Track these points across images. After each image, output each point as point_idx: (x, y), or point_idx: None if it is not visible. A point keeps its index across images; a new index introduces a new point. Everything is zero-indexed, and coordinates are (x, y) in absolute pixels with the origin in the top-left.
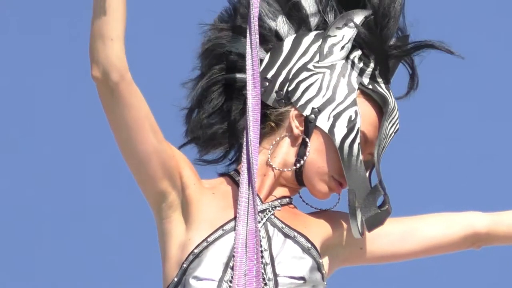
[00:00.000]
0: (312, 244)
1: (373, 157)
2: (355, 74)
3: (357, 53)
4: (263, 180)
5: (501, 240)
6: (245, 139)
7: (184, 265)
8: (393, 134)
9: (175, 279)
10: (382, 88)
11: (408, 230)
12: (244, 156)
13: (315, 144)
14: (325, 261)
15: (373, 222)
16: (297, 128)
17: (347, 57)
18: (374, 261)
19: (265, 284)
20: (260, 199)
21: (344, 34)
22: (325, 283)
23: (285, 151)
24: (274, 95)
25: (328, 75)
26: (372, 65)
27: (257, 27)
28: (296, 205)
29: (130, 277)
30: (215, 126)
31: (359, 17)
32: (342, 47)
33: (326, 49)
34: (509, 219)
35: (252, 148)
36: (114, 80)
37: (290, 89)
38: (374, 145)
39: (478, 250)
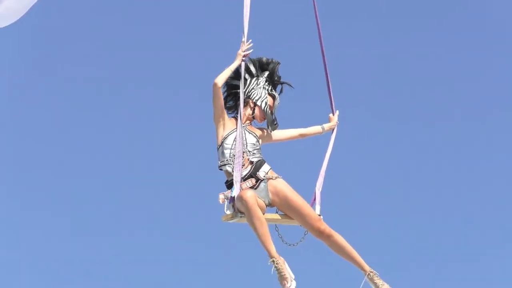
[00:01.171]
0: (256, 135)
1: (273, 111)
2: (266, 88)
3: (267, 82)
4: (243, 118)
5: (309, 136)
6: (239, 109)
7: (222, 140)
8: (278, 104)
9: (219, 144)
10: (274, 92)
11: (284, 132)
12: (239, 113)
13: (257, 109)
14: (261, 141)
15: (273, 128)
16: (252, 105)
17: (264, 83)
18: (274, 141)
19: (243, 145)
20: (243, 123)
21: (263, 78)
22: (260, 145)
23: (249, 111)
24: (246, 95)
25: (259, 90)
26: (271, 85)
27: (243, 79)
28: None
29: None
30: (232, 104)
31: (266, 73)
32: (263, 81)
33: (258, 82)
34: (311, 129)
35: (241, 110)
36: (218, 86)
37: (249, 94)
38: (273, 107)
39: (303, 139)
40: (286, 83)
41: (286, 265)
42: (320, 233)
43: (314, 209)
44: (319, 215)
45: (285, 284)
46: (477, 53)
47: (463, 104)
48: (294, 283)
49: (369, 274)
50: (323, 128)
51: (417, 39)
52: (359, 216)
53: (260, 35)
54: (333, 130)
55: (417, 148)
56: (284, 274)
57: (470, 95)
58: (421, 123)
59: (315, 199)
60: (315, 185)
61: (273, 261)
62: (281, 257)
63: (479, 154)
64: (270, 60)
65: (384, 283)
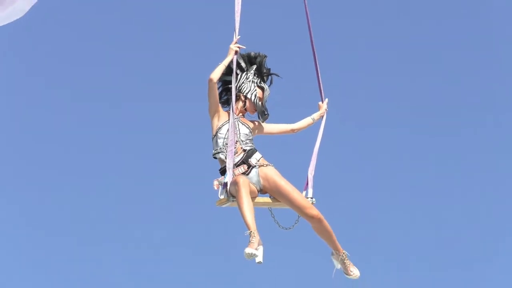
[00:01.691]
0: (249, 127)
1: (263, 102)
2: (255, 81)
3: (255, 75)
4: (236, 110)
5: (302, 129)
6: (231, 102)
7: (217, 130)
8: (267, 95)
9: (214, 134)
10: (263, 84)
11: (275, 125)
12: (231, 106)
13: (247, 102)
14: (253, 132)
15: (264, 118)
16: (243, 98)
17: (253, 77)
18: (266, 133)
19: (236, 135)
20: (236, 115)
21: (252, 71)
22: (253, 136)
23: (241, 104)
24: (237, 90)
25: (248, 83)
26: (259, 78)
27: (235, 73)
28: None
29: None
30: (225, 98)
31: (254, 66)
32: (252, 74)
33: (247, 76)
34: (302, 122)
35: (233, 103)
36: (213, 82)
37: (240, 88)
38: (263, 99)
39: (294, 134)
40: (273, 74)
41: (261, 248)
42: (311, 217)
43: (307, 192)
44: (312, 198)
45: (251, 246)
46: (475, 53)
47: (458, 104)
48: (255, 255)
49: (342, 255)
50: (313, 119)
51: (412, 38)
52: (347, 202)
53: (250, 29)
54: (322, 117)
55: (410, 142)
56: (254, 243)
57: (466, 96)
58: (411, 116)
59: (308, 183)
60: (307, 170)
61: (251, 233)
62: (260, 241)
63: (472, 155)
64: (257, 54)
65: (351, 263)
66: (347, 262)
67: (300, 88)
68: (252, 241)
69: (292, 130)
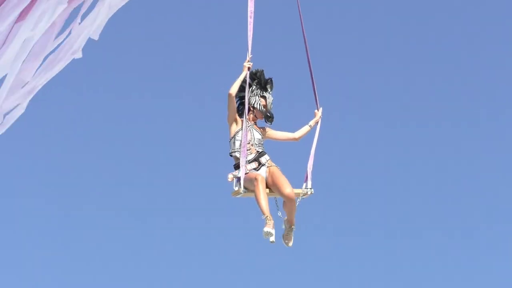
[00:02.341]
0: (261, 133)
1: (267, 108)
2: (258, 93)
3: (258, 88)
4: (249, 119)
5: (303, 136)
6: (245, 113)
7: (234, 134)
8: (271, 101)
9: (231, 136)
10: (264, 93)
11: (281, 133)
12: (244, 116)
13: (256, 110)
14: (264, 137)
15: (270, 121)
16: (252, 108)
17: (256, 90)
18: (273, 139)
19: (252, 139)
20: (250, 122)
21: (255, 85)
22: (263, 140)
23: (252, 113)
24: (248, 102)
25: (254, 96)
26: (261, 89)
27: (248, 91)
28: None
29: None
30: (241, 110)
31: (256, 81)
32: (255, 88)
33: (252, 90)
34: (302, 130)
35: (246, 114)
36: (232, 96)
37: (249, 100)
38: (267, 105)
39: (298, 141)
40: (269, 79)
41: (274, 231)
42: (288, 199)
43: (307, 184)
44: (310, 188)
45: (268, 226)
46: (474, 52)
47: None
48: (271, 233)
49: (293, 227)
50: (310, 125)
51: (411, 38)
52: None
53: (257, 47)
54: (318, 123)
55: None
56: (270, 225)
57: (458, 95)
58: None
59: (307, 176)
60: (307, 166)
61: (267, 217)
62: (273, 225)
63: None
64: (256, 70)
65: (292, 237)
66: (291, 233)
67: (300, 95)
68: (268, 223)
69: (295, 138)
